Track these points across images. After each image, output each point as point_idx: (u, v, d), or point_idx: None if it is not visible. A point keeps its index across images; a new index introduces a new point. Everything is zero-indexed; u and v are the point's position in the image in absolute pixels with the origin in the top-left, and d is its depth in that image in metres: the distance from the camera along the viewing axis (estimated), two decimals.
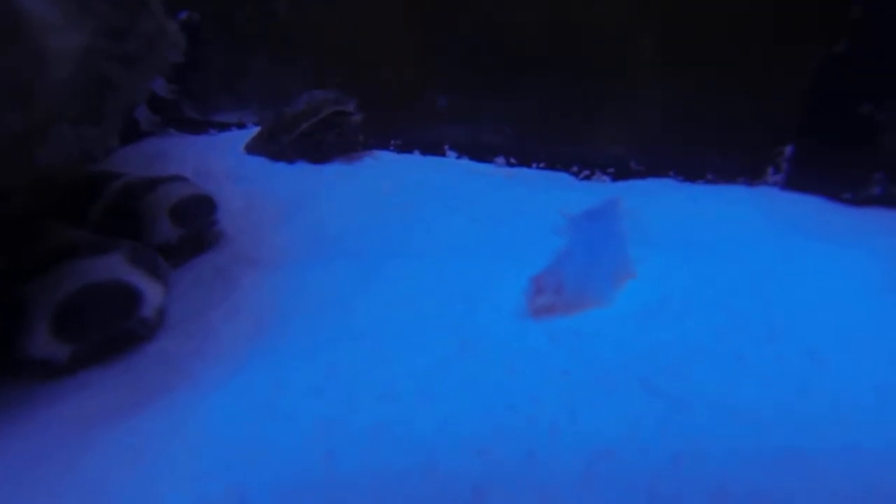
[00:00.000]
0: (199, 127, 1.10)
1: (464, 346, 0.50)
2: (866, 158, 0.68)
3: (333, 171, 0.87)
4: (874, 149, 0.67)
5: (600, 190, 0.80)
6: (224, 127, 1.10)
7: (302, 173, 0.88)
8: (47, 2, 0.40)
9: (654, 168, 0.83)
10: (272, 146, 0.93)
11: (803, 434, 0.39)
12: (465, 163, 0.90)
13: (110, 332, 0.53)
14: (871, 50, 0.65)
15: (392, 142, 0.95)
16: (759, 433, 0.40)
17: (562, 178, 0.86)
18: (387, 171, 0.87)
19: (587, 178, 0.86)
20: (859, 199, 0.69)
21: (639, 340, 0.48)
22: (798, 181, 0.74)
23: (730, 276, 0.55)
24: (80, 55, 0.43)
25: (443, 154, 0.93)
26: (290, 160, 0.90)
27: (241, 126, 1.08)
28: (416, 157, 0.93)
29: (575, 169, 0.87)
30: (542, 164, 0.89)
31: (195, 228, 0.68)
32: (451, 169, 0.87)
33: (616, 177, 0.85)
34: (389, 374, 0.48)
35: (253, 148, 0.95)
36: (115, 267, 0.54)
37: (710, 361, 0.46)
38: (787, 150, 0.75)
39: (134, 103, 0.58)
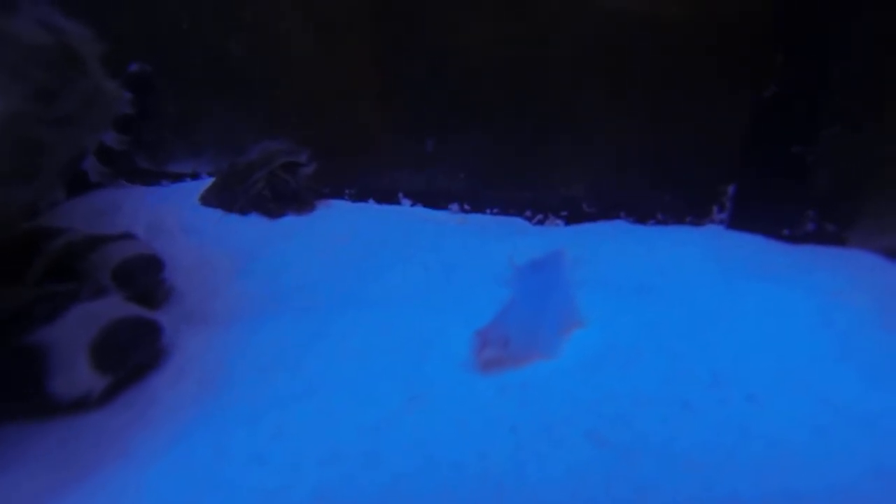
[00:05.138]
0: (151, 178, 1.09)
1: (412, 401, 0.50)
2: (800, 196, 0.71)
3: (287, 223, 0.87)
4: (806, 187, 0.70)
5: (553, 234, 0.81)
6: (178, 177, 1.09)
7: (255, 225, 0.87)
8: None
9: (605, 210, 0.85)
10: (226, 197, 0.92)
11: (744, 480, 0.40)
12: (420, 210, 0.91)
13: (141, 361, 0.57)
14: (796, 94, 0.68)
15: (346, 191, 0.96)
16: (703, 481, 0.40)
17: (515, 222, 0.87)
18: (340, 220, 0.86)
19: (540, 222, 0.87)
20: (797, 235, 0.71)
21: (585, 391, 0.48)
22: (741, 219, 0.77)
23: (675, 320, 0.56)
24: (6, 120, 0.42)
25: (397, 202, 0.93)
26: (244, 212, 0.89)
27: (195, 176, 1.07)
28: (370, 206, 0.93)
29: (528, 213, 0.88)
30: (496, 210, 0.90)
31: (139, 290, 0.66)
32: (405, 217, 0.88)
33: (569, 220, 0.86)
34: (336, 434, 0.47)
35: (207, 199, 0.95)
36: (124, 305, 0.58)
37: (655, 409, 0.46)
38: (730, 189, 0.77)
39: (73, 162, 0.57)
